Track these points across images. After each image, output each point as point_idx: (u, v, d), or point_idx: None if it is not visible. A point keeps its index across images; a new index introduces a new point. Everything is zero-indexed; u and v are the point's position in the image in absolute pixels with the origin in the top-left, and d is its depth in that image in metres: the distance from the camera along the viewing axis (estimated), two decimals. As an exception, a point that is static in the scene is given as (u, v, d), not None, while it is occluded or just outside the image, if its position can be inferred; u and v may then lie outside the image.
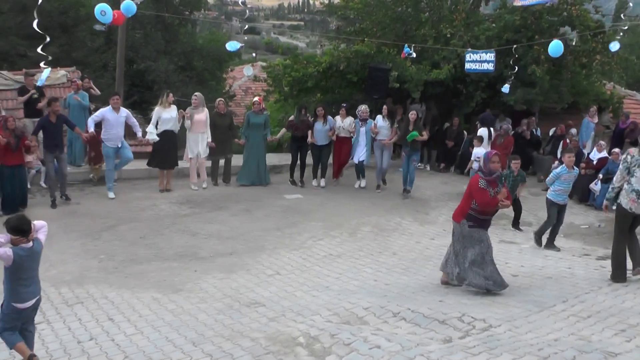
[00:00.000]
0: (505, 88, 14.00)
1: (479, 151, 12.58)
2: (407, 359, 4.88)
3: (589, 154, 13.74)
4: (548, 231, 9.36)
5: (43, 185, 11.53)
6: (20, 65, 17.19)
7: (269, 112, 14.29)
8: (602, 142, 13.44)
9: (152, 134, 11.55)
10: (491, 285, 6.80)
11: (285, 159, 14.02)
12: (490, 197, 6.80)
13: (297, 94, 15.65)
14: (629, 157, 7.43)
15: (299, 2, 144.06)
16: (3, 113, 11.27)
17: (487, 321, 5.76)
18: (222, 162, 12.70)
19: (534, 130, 15.34)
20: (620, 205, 7.41)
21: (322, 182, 13.01)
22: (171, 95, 12.01)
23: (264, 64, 20.30)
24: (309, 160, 13.01)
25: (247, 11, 17.20)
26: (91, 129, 11.02)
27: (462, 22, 15.92)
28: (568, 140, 13.81)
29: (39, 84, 10.21)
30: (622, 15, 16.25)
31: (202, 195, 11.84)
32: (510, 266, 8.08)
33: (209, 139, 12.02)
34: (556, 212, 9.27)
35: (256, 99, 13.05)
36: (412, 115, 12.30)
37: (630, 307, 6.35)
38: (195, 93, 12.56)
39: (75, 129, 11.19)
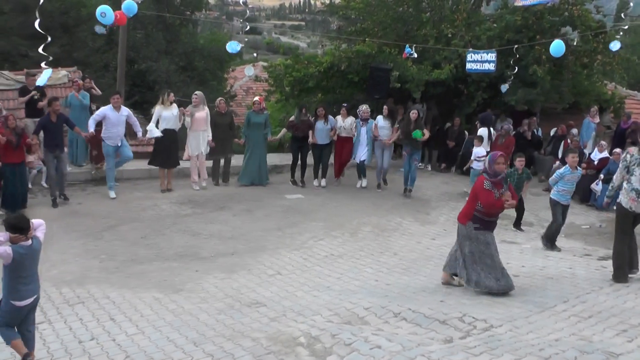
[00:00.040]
0: (503, 87, 13.98)
1: (479, 151, 12.58)
2: (408, 359, 4.88)
3: (590, 154, 13.73)
4: (547, 232, 9.33)
5: (44, 185, 11.56)
6: (21, 65, 17.18)
7: (269, 111, 14.29)
8: (603, 143, 13.42)
9: (152, 132, 11.57)
10: (502, 286, 6.80)
11: (286, 159, 14.02)
12: (496, 198, 6.78)
13: (298, 94, 15.65)
14: (628, 156, 7.45)
15: (300, 2, 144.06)
16: (4, 113, 11.29)
17: (488, 321, 5.76)
18: (222, 161, 12.71)
19: (535, 130, 15.33)
20: (620, 204, 7.42)
21: (323, 182, 13.01)
22: (172, 94, 12.03)
23: (265, 64, 20.26)
24: (310, 160, 13.01)
25: (248, 11, 17.20)
26: (91, 129, 11.04)
27: (464, 22, 15.91)
28: (569, 141, 13.80)
29: (37, 84, 10.21)
30: (622, 15, 16.22)
31: (203, 195, 11.85)
32: (511, 266, 8.04)
33: (210, 138, 12.04)
34: (561, 212, 9.25)
35: (256, 98, 13.05)
36: (413, 114, 12.30)
37: (632, 308, 6.35)
38: (196, 92, 12.58)
39: (75, 129, 11.22)
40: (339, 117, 12.96)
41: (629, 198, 7.29)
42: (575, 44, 14.20)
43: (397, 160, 14.64)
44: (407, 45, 14.39)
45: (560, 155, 14.10)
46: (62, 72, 15.30)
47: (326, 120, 12.77)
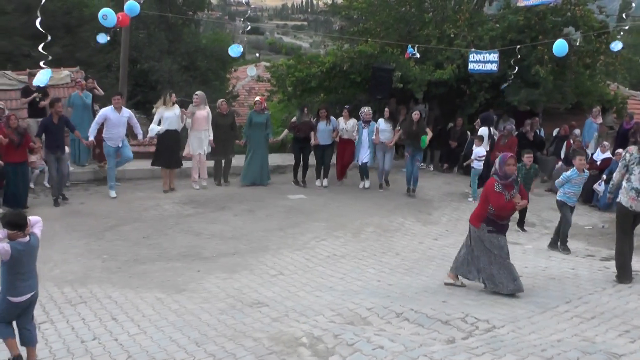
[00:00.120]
0: (503, 86, 13.96)
1: (479, 150, 12.56)
2: (410, 359, 4.88)
3: (592, 154, 13.71)
4: (561, 236, 9.28)
5: (46, 185, 11.58)
6: (24, 65, 17.18)
7: (270, 112, 14.29)
8: (606, 143, 13.40)
9: (153, 130, 11.62)
10: (519, 286, 6.78)
11: (288, 159, 14.02)
12: (506, 200, 6.75)
13: (301, 94, 15.65)
14: (627, 155, 7.45)
15: (302, 2, 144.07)
16: (7, 113, 11.31)
17: (491, 322, 5.75)
18: (223, 162, 12.71)
19: (537, 130, 15.31)
20: (620, 203, 7.42)
21: (325, 181, 13.02)
22: (174, 94, 12.05)
23: (267, 64, 20.29)
24: (312, 160, 13.01)
25: (250, 11, 17.18)
26: (92, 137, 11.16)
27: (466, 23, 15.90)
28: (572, 141, 13.78)
29: (35, 83, 10.18)
30: (624, 15, 16.19)
31: (205, 195, 11.85)
32: (513, 267, 8.06)
33: (211, 138, 12.05)
34: (569, 212, 9.21)
35: (258, 98, 13.08)
36: (415, 115, 12.31)
37: (634, 308, 6.34)
38: (197, 92, 12.60)
39: (75, 133, 11.28)
40: (341, 119, 12.97)
41: (629, 197, 7.29)
42: (577, 44, 14.17)
43: (399, 161, 14.63)
44: (410, 46, 14.39)
45: (562, 156, 14.08)
46: (65, 72, 15.33)
47: (328, 121, 12.77)
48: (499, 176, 6.82)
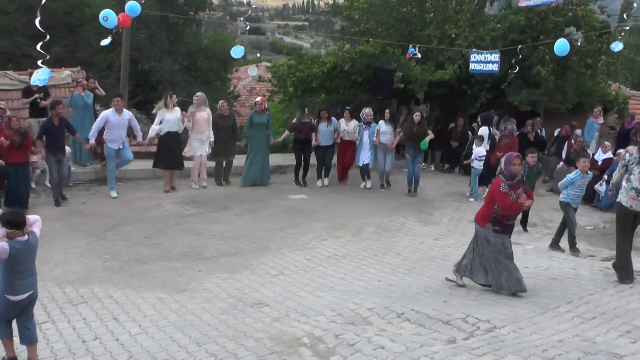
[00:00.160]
0: (503, 85, 13.97)
1: (479, 150, 12.56)
2: (411, 359, 4.88)
3: (593, 154, 13.69)
4: (569, 238, 9.27)
5: (48, 184, 11.58)
6: (25, 65, 17.22)
7: (271, 112, 14.29)
8: (607, 143, 13.39)
9: (153, 130, 11.66)
10: (522, 287, 6.78)
11: (289, 159, 14.02)
12: (512, 201, 6.73)
13: (302, 94, 15.65)
14: (627, 154, 7.45)
15: (303, 2, 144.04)
16: (8, 113, 11.33)
17: (492, 322, 5.75)
18: (224, 163, 12.71)
19: (538, 131, 15.29)
20: (620, 203, 7.42)
21: (326, 181, 13.04)
22: (174, 96, 12.06)
23: (268, 64, 20.29)
24: (313, 160, 13.01)
25: (251, 11, 17.19)
26: (92, 140, 11.20)
27: (467, 23, 15.90)
28: (573, 141, 13.76)
29: (32, 82, 10.19)
30: (625, 16, 16.19)
31: (206, 195, 11.85)
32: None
33: (212, 139, 12.05)
34: (574, 212, 9.19)
35: (258, 99, 13.09)
36: (416, 116, 12.31)
37: (636, 309, 6.33)
38: (197, 93, 12.60)
39: (76, 135, 11.31)
40: (342, 120, 12.97)
41: (629, 197, 7.29)
42: (579, 44, 14.17)
43: (400, 161, 14.62)
44: (411, 46, 14.38)
45: (563, 156, 14.07)
46: (66, 72, 15.35)
47: (329, 122, 12.78)
48: (505, 176, 6.80)
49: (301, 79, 15.17)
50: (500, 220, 6.80)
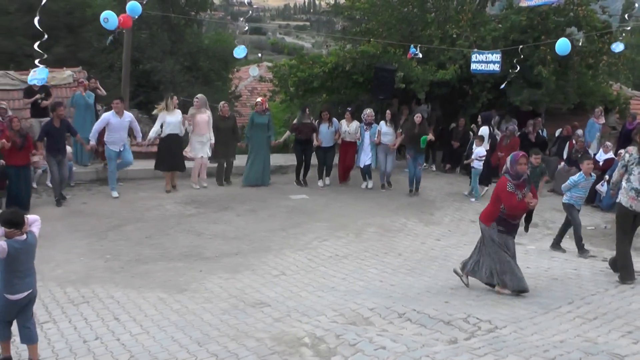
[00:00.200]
0: (503, 85, 13.97)
1: (479, 150, 12.55)
2: (413, 359, 4.87)
3: (595, 154, 13.68)
4: (575, 240, 9.25)
5: (49, 184, 11.58)
6: (26, 65, 17.18)
7: (271, 112, 14.28)
8: (609, 143, 13.37)
9: (153, 131, 11.69)
10: (525, 287, 6.78)
11: (290, 159, 14.02)
12: (518, 200, 6.73)
13: (303, 94, 15.64)
14: (627, 155, 7.45)
15: (304, 2, 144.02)
16: (10, 113, 11.33)
17: (493, 322, 5.75)
18: (225, 164, 12.72)
19: (539, 131, 15.28)
20: (620, 203, 7.42)
21: (327, 180, 13.05)
22: (175, 98, 12.07)
23: (269, 64, 20.26)
24: (314, 160, 13.01)
25: (252, 11, 17.19)
26: (93, 141, 11.22)
27: (468, 23, 15.89)
28: (574, 141, 13.75)
29: (29, 81, 10.18)
30: (626, 16, 16.16)
31: (207, 195, 11.86)
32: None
33: (212, 141, 12.06)
34: (578, 213, 9.18)
35: (259, 99, 13.10)
36: (417, 118, 12.32)
37: (637, 309, 6.33)
38: (197, 95, 12.61)
39: (77, 137, 11.33)
40: (343, 122, 12.97)
41: (629, 197, 7.29)
42: (580, 44, 14.15)
43: (401, 161, 14.62)
44: (412, 46, 14.38)
45: (565, 156, 14.06)
46: (67, 72, 15.34)
47: (330, 123, 12.79)
48: (511, 175, 6.80)
49: (302, 79, 15.16)
50: (506, 219, 6.80)
